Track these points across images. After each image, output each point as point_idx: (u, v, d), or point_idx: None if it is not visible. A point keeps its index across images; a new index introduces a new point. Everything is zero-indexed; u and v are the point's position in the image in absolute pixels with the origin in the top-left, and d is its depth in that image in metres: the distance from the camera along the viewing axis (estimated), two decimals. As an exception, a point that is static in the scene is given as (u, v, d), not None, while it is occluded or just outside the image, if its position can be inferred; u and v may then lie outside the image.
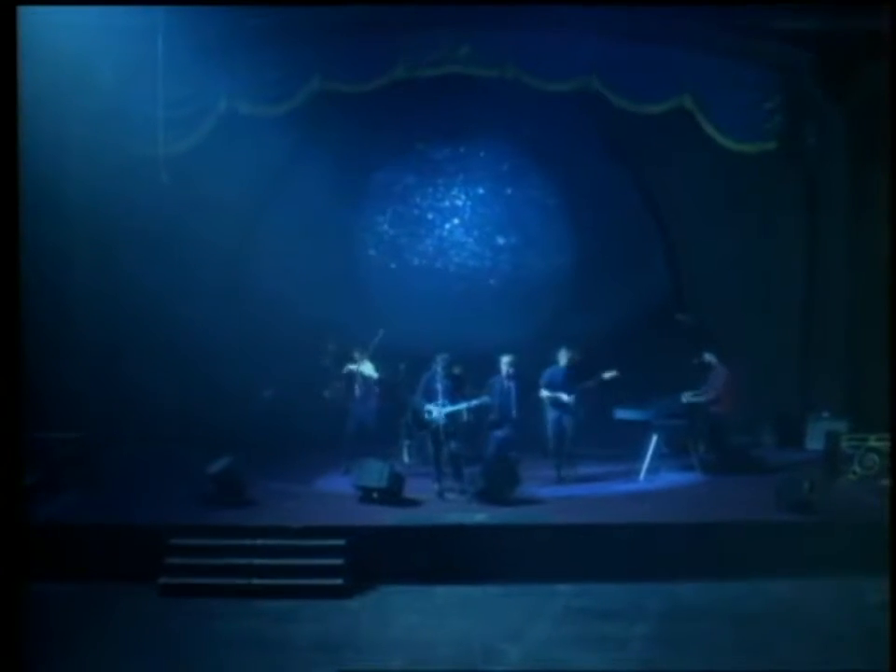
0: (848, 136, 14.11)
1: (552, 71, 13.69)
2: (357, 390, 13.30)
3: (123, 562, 10.35)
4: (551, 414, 13.01)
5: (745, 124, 13.97)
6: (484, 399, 12.34)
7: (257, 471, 12.44)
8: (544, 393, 12.97)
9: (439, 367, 12.16)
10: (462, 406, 12.19)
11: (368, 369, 13.30)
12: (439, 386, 12.11)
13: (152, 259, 13.63)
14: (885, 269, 13.69)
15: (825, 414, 14.15)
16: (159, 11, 12.54)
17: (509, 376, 12.77)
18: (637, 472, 13.04)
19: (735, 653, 8.82)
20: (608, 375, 12.87)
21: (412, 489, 12.08)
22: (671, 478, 13.06)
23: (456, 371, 12.87)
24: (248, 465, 12.15)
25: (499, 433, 12.77)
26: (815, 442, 13.98)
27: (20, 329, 8.00)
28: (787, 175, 14.62)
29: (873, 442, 12.60)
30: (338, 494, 12.31)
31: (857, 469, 12.63)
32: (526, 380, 13.02)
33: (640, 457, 13.05)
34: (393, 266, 15.73)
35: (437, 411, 12.08)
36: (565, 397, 12.84)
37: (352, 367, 13.23)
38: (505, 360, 12.81)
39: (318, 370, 14.03)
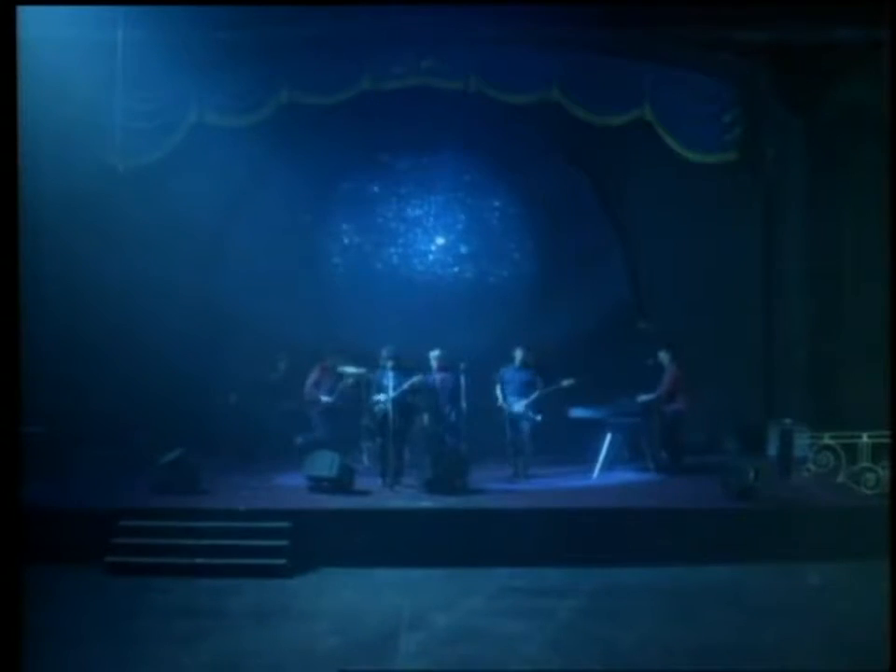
0: (807, 147, 14.32)
1: (513, 83, 13.97)
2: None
3: (73, 543, 10.45)
4: (507, 415, 13.17)
5: (704, 135, 14.15)
6: (416, 378, 12.52)
7: (216, 468, 12.70)
8: (499, 391, 13.17)
9: (387, 363, 12.42)
10: (404, 387, 12.37)
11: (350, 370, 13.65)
12: (387, 382, 12.37)
13: (120, 263, 13.88)
14: (842, 276, 13.97)
15: (787, 421, 14.15)
16: (130, 25, 13.03)
17: (440, 370, 13.18)
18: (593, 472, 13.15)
19: (666, 625, 8.88)
20: (566, 383, 13.03)
21: (364, 484, 12.24)
22: (625, 476, 13.17)
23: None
24: (210, 465, 12.46)
25: (444, 425, 13.08)
26: (776, 448, 13.99)
27: (17, 324, 8.15)
28: (747, 184, 14.79)
29: (827, 440, 12.65)
30: (292, 486, 12.46)
31: (811, 466, 12.67)
32: (484, 383, 13.25)
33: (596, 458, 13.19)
34: (357, 274, 15.95)
35: (384, 401, 12.32)
36: (522, 404, 13.02)
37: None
38: (433, 355, 13.24)
39: (266, 386, 14.26)
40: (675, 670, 7.84)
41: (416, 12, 13.07)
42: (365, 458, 13.83)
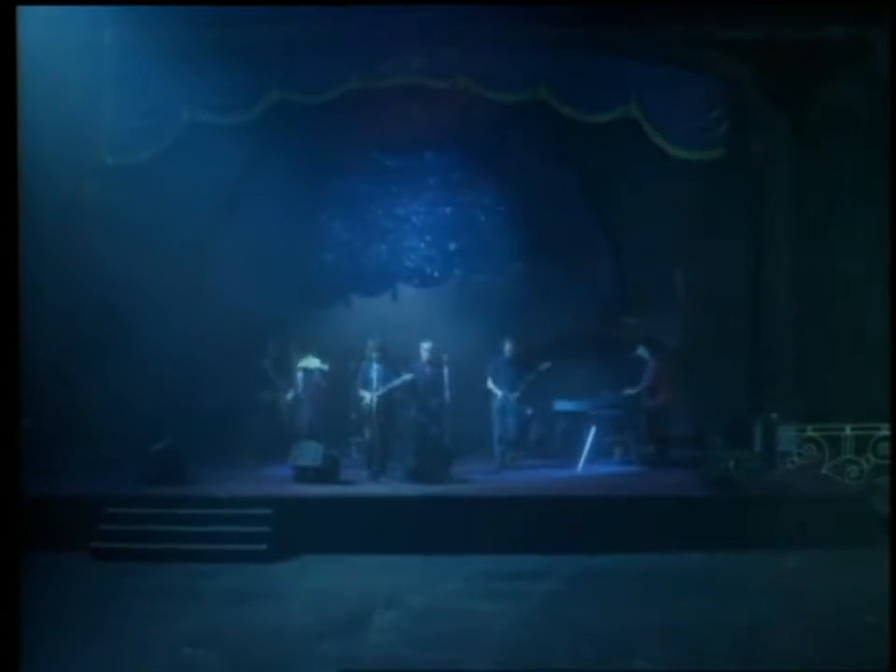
0: (794, 144, 14.40)
1: (502, 82, 14.06)
2: (306, 388, 13.94)
3: (62, 530, 10.61)
4: (495, 406, 13.33)
5: (691, 133, 14.19)
6: (407, 376, 12.66)
7: (204, 459, 12.85)
8: (490, 383, 13.33)
9: (373, 354, 12.55)
10: (393, 384, 12.52)
11: (314, 363, 13.83)
12: (373, 374, 12.51)
13: (112, 259, 13.93)
14: (828, 273, 14.03)
15: (773, 415, 14.22)
16: (121, 24, 13.26)
17: (430, 363, 13.31)
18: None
19: (638, 607, 8.97)
20: (544, 366, 13.15)
21: (349, 475, 12.42)
22: (609, 468, 13.31)
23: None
24: (198, 455, 12.62)
25: (429, 416, 13.23)
26: (760, 441, 14.04)
27: (16, 321, 8.27)
28: (733, 181, 14.85)
29: (810, 433, 12.72)
30: (277, 476, 12.64)
31: (795, 458, 12.74)
32: (470, 376, 13.42)
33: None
34: (347, 270, 16.08)
35: (370, 395, 12.45)
36: (509, 394, 13.16)
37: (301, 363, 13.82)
38: (424, 347, 13.37)
39: (257, 370, 14.43)
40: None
41: (406, 12, 13.25)
42: (354, 451, 13.97)
